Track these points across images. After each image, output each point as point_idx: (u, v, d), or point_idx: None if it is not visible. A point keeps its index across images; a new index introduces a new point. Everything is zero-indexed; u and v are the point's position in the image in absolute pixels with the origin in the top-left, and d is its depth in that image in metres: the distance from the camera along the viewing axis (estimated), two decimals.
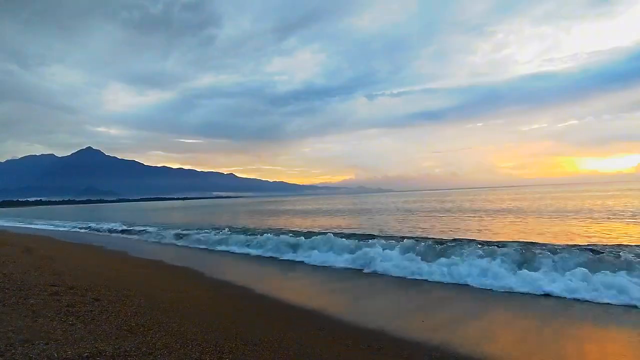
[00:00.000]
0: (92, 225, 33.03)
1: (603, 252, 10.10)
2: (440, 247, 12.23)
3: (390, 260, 11.21)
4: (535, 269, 9.14)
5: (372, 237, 15.72)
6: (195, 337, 4.83)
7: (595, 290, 7.46)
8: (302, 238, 15.34)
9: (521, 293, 8.09)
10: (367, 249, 12.30)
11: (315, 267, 12.17)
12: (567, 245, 11.97)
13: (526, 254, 10.40)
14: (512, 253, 10.40)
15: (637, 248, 10.91)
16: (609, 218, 21.10)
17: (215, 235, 19.46)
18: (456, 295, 8.40)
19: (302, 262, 12.95)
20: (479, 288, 8.67)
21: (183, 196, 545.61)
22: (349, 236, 15.80)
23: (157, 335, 4.65)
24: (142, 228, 27.01)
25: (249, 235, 18.38)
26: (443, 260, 10.53)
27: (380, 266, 10.99)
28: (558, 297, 7.62)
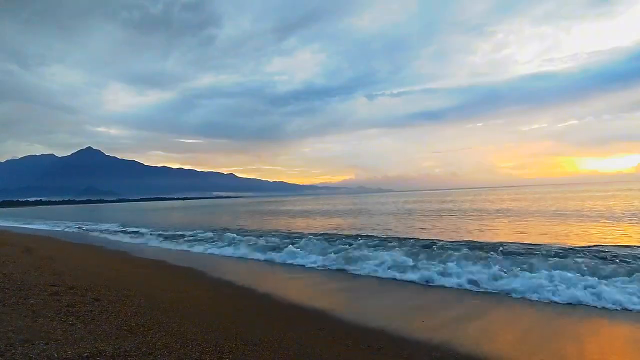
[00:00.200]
0: (86, 226, 33.06)
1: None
2: (427, 249, 12.57)
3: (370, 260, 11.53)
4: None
5: (360, 237, 16.20)
6: (195, 337, 4.83)
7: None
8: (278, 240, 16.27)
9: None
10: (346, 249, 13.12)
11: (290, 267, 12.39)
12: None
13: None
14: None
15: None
16: (608, 219, 21.09)
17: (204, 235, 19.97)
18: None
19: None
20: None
21: (183, 196, 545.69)
22: (333, 237, 16.33)
23: (157, 335, 4.65)
24: (135, 229, 27.00)
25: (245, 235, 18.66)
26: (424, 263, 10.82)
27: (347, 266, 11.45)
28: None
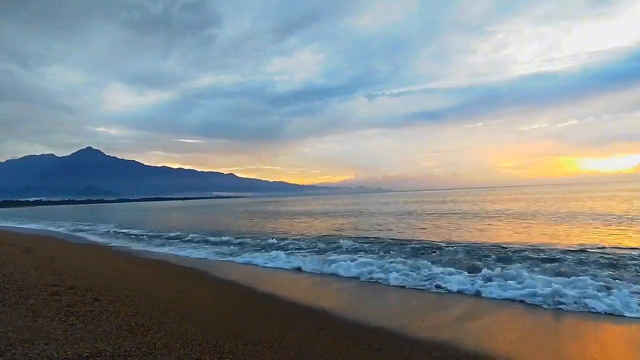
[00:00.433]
0: (81, 226, 33.16)
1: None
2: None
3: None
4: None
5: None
6: (195, 337, 4.83)
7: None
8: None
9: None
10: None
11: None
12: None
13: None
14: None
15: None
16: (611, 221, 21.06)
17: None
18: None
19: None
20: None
21: (183, 196, 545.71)
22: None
23: (157, 335, 4.65)
24: (126, 230, 27.11)
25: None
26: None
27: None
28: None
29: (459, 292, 8.29)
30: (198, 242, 18.95)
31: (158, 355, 3.94)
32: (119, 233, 24.94)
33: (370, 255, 12.54)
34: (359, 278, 10.14)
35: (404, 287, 9.08)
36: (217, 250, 16.14)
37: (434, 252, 12.70)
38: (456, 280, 8.91)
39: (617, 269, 9.29)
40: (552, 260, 10.51)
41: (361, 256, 12.35)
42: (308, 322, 6.42)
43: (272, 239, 17.98)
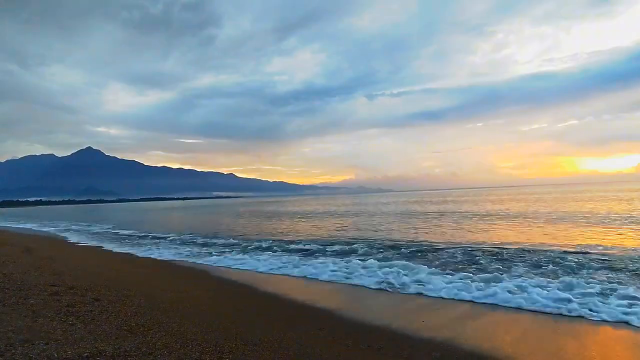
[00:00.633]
0: (77, 226, 33.21)
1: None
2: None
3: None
4: None
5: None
6: (195, 337, 4.83)
7: None
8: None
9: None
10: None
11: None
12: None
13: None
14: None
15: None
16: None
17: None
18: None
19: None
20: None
21: (183, 196, 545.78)
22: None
23: (157, 335, 4.65)
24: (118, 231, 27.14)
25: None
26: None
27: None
28: None
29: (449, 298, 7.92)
30: (176, 242, 19.10)
31: (158, 355, 3.94)
32: (109, 233, 24.90)
33: (359, 258, 12.45)
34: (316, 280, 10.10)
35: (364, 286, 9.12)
36: (189, 250, 16.16)
37: (430, 253, 12.58)
38: (449, 285, 8.66)
39: (615, 271, 9.20)
40: (550, 262, 10.42)
41: (343, 258, 12.35)
42: (308, 322, 6.42)
43: (255, 241, 17.95)
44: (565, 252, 11.74)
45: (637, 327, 5.95)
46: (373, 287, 9.07)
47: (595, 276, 8.83)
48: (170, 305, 6.72)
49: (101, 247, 18.24)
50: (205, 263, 13.11)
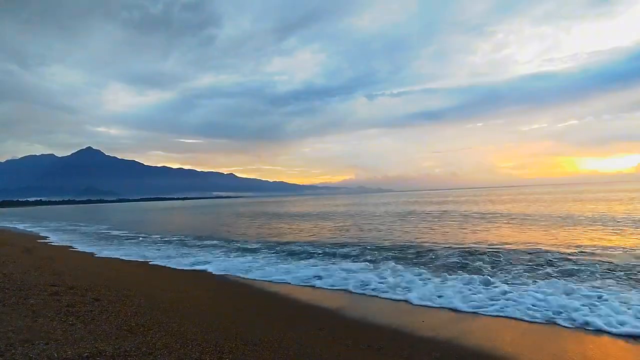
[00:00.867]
0: (74, 226, 33.20)
1: None
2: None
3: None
4: None
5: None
6: (195, 337, 4.83)
7: None
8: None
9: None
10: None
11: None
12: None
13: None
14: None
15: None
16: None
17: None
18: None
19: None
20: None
21: (183, 196, 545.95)
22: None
23: (157, 335, 4.65)
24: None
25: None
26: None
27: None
28: None
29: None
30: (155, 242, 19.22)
31: (158, 355, 3.95)
32: (100, 234, 24.77)
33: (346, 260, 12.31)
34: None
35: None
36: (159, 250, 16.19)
37: (425, 255, 12.29)
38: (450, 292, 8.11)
39: (611, 276, 8.87)
40: (546, 264, 10.20)
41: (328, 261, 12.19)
42: (308, 322, 6.42)
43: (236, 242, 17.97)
44: (564, 253, 11.58)
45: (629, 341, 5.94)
46: (354, 290, 8.69)
47: (595, 279, 8.67)
48: (170, 305, 6.72)
49: (71, 247, 17.94)
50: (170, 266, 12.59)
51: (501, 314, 6.76)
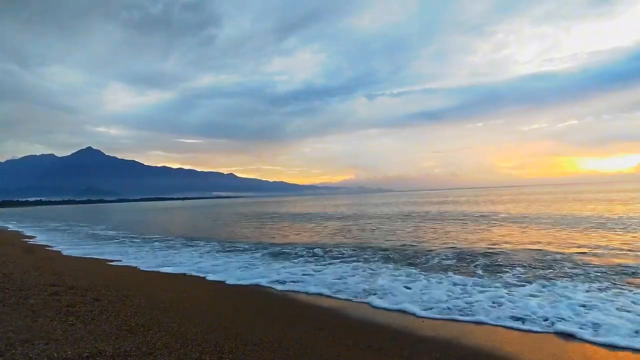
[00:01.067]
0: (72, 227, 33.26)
1: None
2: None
3: None
4: None
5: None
6: (195, 337, 4.83)
7: None
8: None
9: None
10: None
11: None
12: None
13: None
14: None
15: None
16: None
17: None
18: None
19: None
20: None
21: (183, 196, 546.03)
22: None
23: (157, 335, 4.65)
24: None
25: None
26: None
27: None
28: None
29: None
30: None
31: (158, 355, 3.95)
32: (94, 235, 24.80)
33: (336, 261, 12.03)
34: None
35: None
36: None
37: (419, 257, 12.03)
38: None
39: (611, 278, 8.65)
40: (544, 266, 9.96)
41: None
42: (308, 322, 6.42)
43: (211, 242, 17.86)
44: (563, 254, 11.48)
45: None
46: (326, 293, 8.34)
47: (594, 281, 8.47)
48: (170, 305, 6.72)
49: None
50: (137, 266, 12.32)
51: (471, 318, 6.35)
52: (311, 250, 14.13)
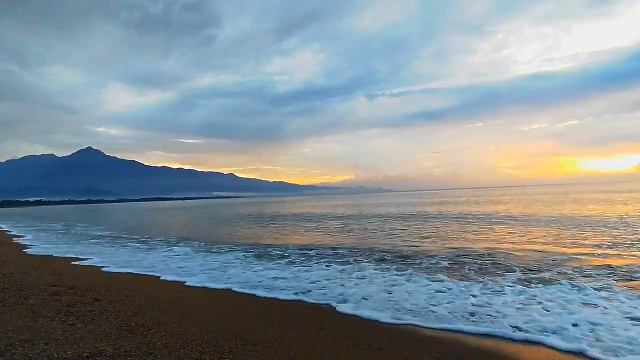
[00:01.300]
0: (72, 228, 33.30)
1: None
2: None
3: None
4: None
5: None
6: (195, 337, 4.83)
7: None
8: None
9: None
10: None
11: None
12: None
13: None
14: None
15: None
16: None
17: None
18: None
19: None
20: None
21: (183, 196, 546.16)
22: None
23: (157, 335, 4.65)
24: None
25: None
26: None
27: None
28: None
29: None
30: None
31: (158, 355, 3.95)
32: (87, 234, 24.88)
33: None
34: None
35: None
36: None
37: (414, 259, 11.75)
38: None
39: (611, 280, 8.46)
40: (542, 269, 9.75)
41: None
42: (308, 322, 6.42)
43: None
44: (564, 254, 11.47)
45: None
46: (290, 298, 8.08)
47: (594, 283, 8.33)
48: (170, 305, 6.73)
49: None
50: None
51: (471, 329, 6.00)
52: (303, 251, 13.96)
